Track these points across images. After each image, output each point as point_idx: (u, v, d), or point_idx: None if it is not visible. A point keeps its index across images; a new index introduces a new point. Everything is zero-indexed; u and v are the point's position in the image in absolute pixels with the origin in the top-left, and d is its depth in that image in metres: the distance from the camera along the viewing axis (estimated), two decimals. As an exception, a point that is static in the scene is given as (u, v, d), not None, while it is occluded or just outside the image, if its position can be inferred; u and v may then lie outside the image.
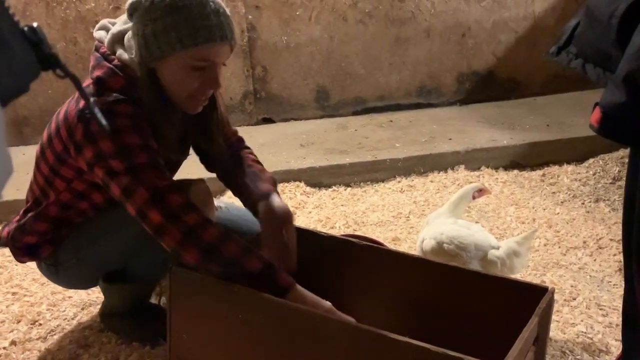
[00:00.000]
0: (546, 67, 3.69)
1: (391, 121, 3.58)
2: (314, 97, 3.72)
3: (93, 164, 1.34)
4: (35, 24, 0.53)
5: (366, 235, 2.10)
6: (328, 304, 1.30)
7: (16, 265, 2.23)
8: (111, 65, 1.36)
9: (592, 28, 1.21)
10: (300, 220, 2.53)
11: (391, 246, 2.21)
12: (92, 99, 0.64)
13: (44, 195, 1.56)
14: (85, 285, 1.79)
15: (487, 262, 1.63)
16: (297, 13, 3.55)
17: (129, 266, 1.67)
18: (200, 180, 1.61)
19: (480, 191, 1.80)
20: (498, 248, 1.65)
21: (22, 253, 1.61)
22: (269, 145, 3.24)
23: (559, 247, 2.26)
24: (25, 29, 0.52)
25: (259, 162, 1.68)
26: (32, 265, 2.23)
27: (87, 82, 1.37)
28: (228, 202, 1.88)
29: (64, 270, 1.63)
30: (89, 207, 1.56)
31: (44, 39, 0.53)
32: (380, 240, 2.15)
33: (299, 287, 1.29)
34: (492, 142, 3.09)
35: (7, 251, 2.35)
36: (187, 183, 1.53)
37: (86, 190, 1.51)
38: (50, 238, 1.59)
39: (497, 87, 3.82)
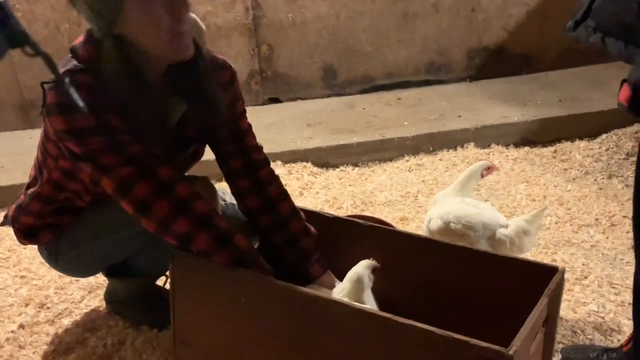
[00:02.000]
0: (558, 41, 3.60)
1: (399, 99, 3.52)
2: (321, 75, 3.67)
3: (61, 140, 1.28)
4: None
5: (373, 216, 2.08)
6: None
7: (24, 248, 2.24)
8: (87, 36, 1.26)
9: None
10: (308, 201, 2.51)
11: (399, 226, 2.18)
12: (66, 79, 0.61)
13: (40, 174, 1.50)
14: (85, 275, 1.77)
15: (496, 241, 1.60)
16: (303, -11, 3.48)
17: (132, 262, 1.65)
18: (204, 178, 1.56)
19: (489, 169, 1.76)
20: (507, 227, 1.61)
21: (22, 235, 1.57)
22: (276, 125, 3.20)
23: (571, 224, 2.22)
24: None
25: (303, 226, 1.51)
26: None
27: None
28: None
29: (64, 261, 1.60)
30: (82, 189, 1.47)
31: (11, 14, 0.50)
32: (388, 220, 2.13)
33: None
34: (502, 118, 3.03)
35: (14, 235, 2.36)
36: (190, 180, 1.46)
37: (72, 169, 1.40)
38: (50, 223, 1.54)
39: (508, 62, 3.74)
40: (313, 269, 1.48)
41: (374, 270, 1.39)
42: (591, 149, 2.82)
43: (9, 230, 2.40)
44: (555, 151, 2.85)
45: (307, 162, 2.87)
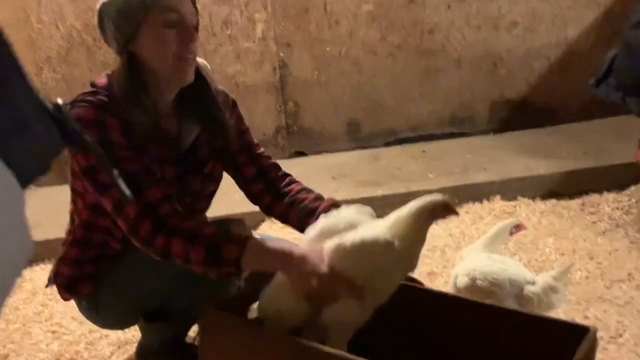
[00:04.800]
0: (581, 93, 3.61)
1: (424, 152, 3.56)
2: (345, 129, 3.75)
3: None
4: (59, 101, 0.55)
5: (399, 271, 2.07)
6: (300, 249, 1.26)
7: (57, 303, 2.28)
8: (106, 74, 1.47)
9: (631, 60, 1.19)
10: (334, 255, 2.52)
11: (426, 281, 2.17)
12: (115, 172, 0.65)
13: (72, 221, 1.57)
14: (123, 324, 1.78)
15: (523, 298, 1.58)
16: (327, 49, 3.61)
17: (168, 305, 1.66)
18: (239, 220, 1.56)
19: (517, 227, 1.74)
20: (534, 283, 1.60)
21: (64, 289, 1.60)
22: (302, 178, 3.21)
23: (602, 279, 2.17)
24: (50, 106, 0.53)
25: (315, 195, 1.60)
26: (71, 302, 2.29)
27: None
28: (264, 234, 1.86)
29: (104, 309, 1.61)
30: (110, 223, 1.49)
31: (67, 115, 0.55)
32: (415, 275, 2.12)
33: (256, 239, 1.31)
34: (528, 171, 3.03)
35: (48, 289, 2.42)
36: (226, 222, 1.49)
37: (98, 202, 1.43)
38: (89, 273, 1.57)
39: (531, 114, 3.76)
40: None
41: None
42: (620, 201, 2.79)
43: (41, 286, 2.46)
44: (583, 204, 2.82)
45: (333, 215, 2.89)
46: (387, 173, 3.23)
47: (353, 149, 3.74)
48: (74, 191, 1.51)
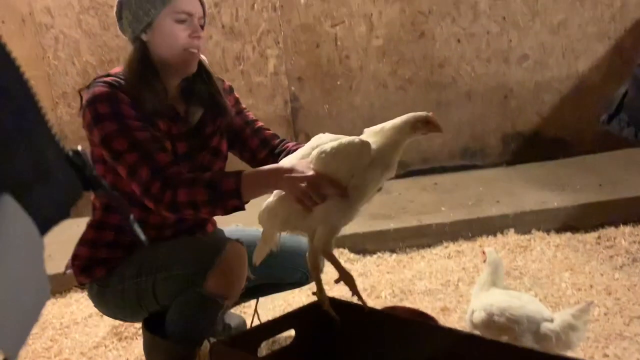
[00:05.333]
0: (594, 124, 3.61)
1: (436, 184, 3.54)
2: (357, 162, 3.75)
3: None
4: (79, 147, 0.55)
5: (413, 307, 2.04)
6: (289, 163, 1.42)
7: (66, 338, 2.27)
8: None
9: (641, 96, 1.18)
10: (345, 289, 2.47)
11: (440, 317, 2.12)
12: (131, 216, 0.66)
13: (93, 207, 1.68)
14: (126, 316, 1.77)
15: (541, 336, 1.54)
16: (338, 83, 3.64)
17: (167, 319, 1.66)
18: (237, 241, 1.61)
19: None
20: (552, 320, 1.55)
21: (79, 270, 1.66)
22: (313, 212, 3.24)
23: (621, 316, 2.11)
24: (70, 153, 0.54)
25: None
26: (80, 338, 2.27)
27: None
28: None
29: (111, 295, 1.67)
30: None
31: (87, 161, 0.55)
32: (429, 310, 2.08)
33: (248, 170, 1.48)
34: (542, 204, 2.99)
35: (57, 323, 2.41)
36: (223, 241, 1.57)
37: (116, 180, 1.57)
38: (104, 257, 1.65)
39: (543, 146, 3.75)
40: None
41: (430, 125, 1.36)
42: (637, 234, 2.73)
43: (52, 320, 2.45)
44: (599, 237, 2.77)
45: (344, 248, 2.87)
46: (398, 206, 3.21)
47: (364, 181, 3.73)
48: None
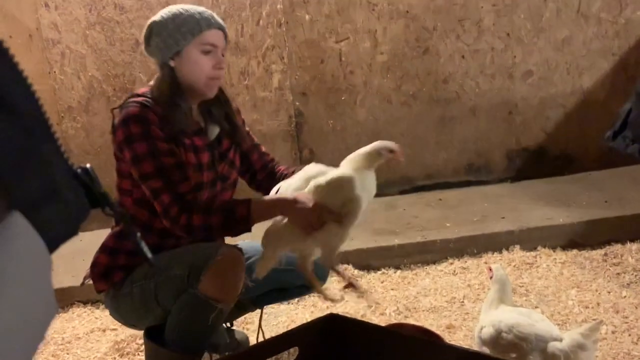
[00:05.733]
0: (599, 141, 3.59)
1: (440, 200, 3.52)
2: (361, 177, 3.74)
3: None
4: (88, 165, 0.56)
5: (418, 324, 2.01)
6: (289, 195, 1.60)
7: (67, 354, 2.25)
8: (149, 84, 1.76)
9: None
10: (349, 306, 2.46)
11: (445, 335, 2.10)
12: (138, 234, 0.67)
13: (117, 223, 1.74)
14: (135, 321, 1.80)
15: (549, 355, 1.51)
16: (342, 98, 3.65)
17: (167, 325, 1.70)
18: (234, 247, 1.70)
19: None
20: (561, 340, 1.53)
21: (99, 277, 1.73)
22: (317, 227, 3.22)
23: (629, 334, 2.08)
24: (79, 170, 0.54)
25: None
26: (82, 353, 2.25)
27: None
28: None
29: (122, 297, 1.72)
30: (149, 216, 1.70)
31: (95, 179, 0.55)
32: (434, 328, 2.06)
33: (253, 200, 1.63)
34: (547, 220, 2.97)
35: (59, 338, 2.39)
36: (219, 246, 1.65)
37: (143, 195, 1.68)
38: (122, 264, 1.71)
39: (548, 163, 3.73)
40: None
41: (393, 154, 1.59)
42: (644, 251, 2.71)
43: (54, 335, 2.43)
44: (605, 254, 2.75)
45: (348, 264, 2.85)
46: (403, 221, 3.20)
47: (368, 196, 3.72)
48: (120, 190, 1.75)
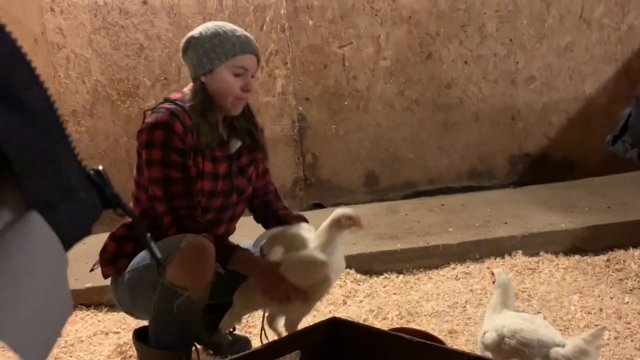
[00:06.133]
0: (602, 146, 3.60)
1: (443, 205, 3.53)
2: (363, 181, 3.75)
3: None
4: (100, 167, 0.57)
5: (420, 329, 2.02)
6: (266, 263, 1.73)
7: (70, 356, 2.25)
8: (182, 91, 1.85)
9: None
10: (352, 310, 2.47)
11: (447, 339, 2.10)
12: (148, 234, 0.68)
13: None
14: (130, 308, 1.87)
15: (552, 361, 1.51)
16: (346, 103, 3.66)
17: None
18: (202, 236, 1.73)
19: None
20: (564, 346, 1.53)
21: (107, 263, 1.81)
22: (319, 231, 3.23)
23: (632, 340, 2.08)
24: (91, 172, 0.56)
25: (290, 212, 2.04)
26: (84, 356, 2.26)
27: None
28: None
29: (121, 285, 1.79)
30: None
31: (107, 180, 0.56)
32: (436, 332, 2.06)
33: (242, 248, 1.73)
34: (550, 225, 2.97)
35: (62, 341, 2.39)
36: (184, 235, 1.68)
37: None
38: (129, 252, 1.79)
39: (551, 168, 3.74)
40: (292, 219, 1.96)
41: (352, 221, 1.72)
42: (647, 257, 2.71)
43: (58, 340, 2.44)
44: (608, 260, 2.74)
45: (350, 268, 2.85)
46: (405, 226, 3.20)
47: (371, 201, 3.73)
48: (137, 184, 1.82)
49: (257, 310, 1.81)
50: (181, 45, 1.80)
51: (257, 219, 2.06)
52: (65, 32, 3.64)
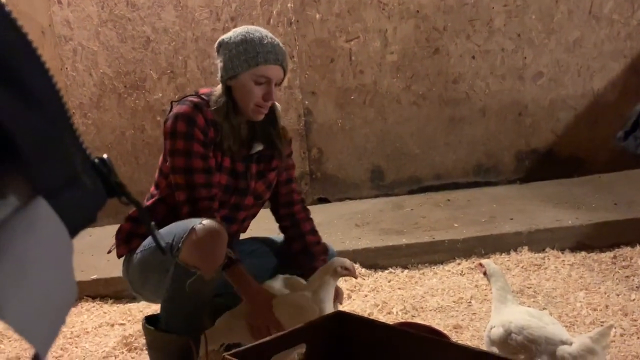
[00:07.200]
0: (609, 143, 3.57)
1: (448, 200, 3.52)
2: (369, 176, 3.74)
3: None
4: (105, 156, 0.57)
5: (425, 323, 2.01)
6: (260, 288, 1.77)
7: (76, 347, 2.27)
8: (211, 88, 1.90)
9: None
10: (356, 304, 2.47)
11: (452, 335, 2.10)
12: (153, 223, 0.69)
13: (151, 196, 1.88)
14: (139, 289, 1.89)
15: (558, 358, 1.51)
16: (352, 97, 3.65)
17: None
18: (217, 221, 1.76)
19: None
20: (570, 344, 1.52)
21: (121, 242, 1.86)
22: (324, 225, 3.23)
23: (638, 337, 2.07)
24: (96, 160, 0.56)
25: (317, 240, 2.02)
26: (90, 347, 2.27)
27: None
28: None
29: (132, 265, 1.83)
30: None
31: (112, 169, 0.57)
32: (441, 327, 2.05)
33: (242, 265, 1.77)
34: (556, 222, 2.95)
35: (67, 332, 2.41)
36: (200, 219, 1.71)
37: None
38: (143, 233, 1.83)
39: (558, 164, 3.72)
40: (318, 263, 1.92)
41: (347, 271, 1.74)
42: (654, 255, 2.69)
43: (63, 328, 2.46)
44: (614, 257, 2.73)
45: (356, 263, 2.85)
46: (411, 221, 3.19)
47: (376, 196, 3.72)
48: (160, 171, 1.87)
49: (234, 341, 1.82)
50: (215, 45, 1.84)
51: (283, 232, 2.06)
52: (72, 24, 3.65)
